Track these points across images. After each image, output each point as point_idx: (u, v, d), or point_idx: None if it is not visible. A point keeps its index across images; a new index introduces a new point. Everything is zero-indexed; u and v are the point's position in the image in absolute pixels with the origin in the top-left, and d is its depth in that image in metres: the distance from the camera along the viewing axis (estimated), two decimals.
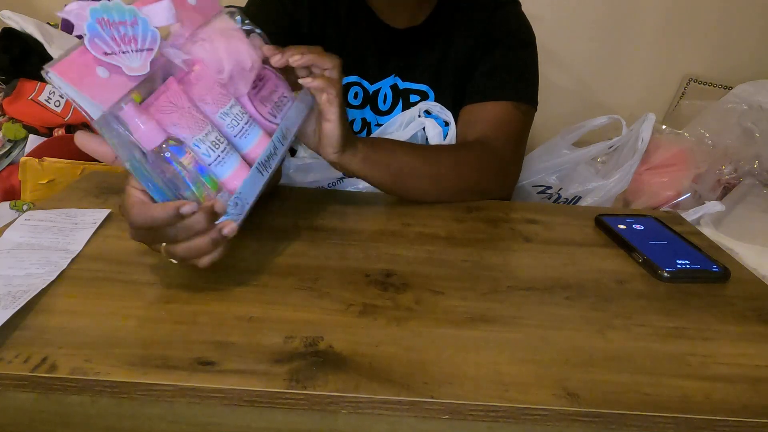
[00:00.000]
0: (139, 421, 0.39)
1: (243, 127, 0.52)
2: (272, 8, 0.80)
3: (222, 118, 0.50)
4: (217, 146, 0.48)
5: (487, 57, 0.83)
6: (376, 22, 0.83)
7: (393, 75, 0.85)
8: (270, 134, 0.54)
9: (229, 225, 0.45)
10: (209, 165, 0.48)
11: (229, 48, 0.50)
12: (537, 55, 0.86)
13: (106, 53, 0.41)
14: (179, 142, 0.45)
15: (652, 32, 1.69)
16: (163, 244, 0.44)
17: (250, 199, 0.49)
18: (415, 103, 0.84)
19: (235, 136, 0.51)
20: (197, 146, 0.47)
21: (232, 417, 0.39)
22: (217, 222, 0.45)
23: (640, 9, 1.66)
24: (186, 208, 0.42)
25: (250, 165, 0.51)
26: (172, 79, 0.47)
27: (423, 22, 0.83)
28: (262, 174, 0.51)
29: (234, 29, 0.53)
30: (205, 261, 0.45)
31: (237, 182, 0.48)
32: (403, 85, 0.86)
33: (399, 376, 0.39)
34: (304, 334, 0.43)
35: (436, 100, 0.85)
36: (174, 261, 0.45)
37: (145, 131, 0.43)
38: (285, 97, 0.58)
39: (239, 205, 0.48)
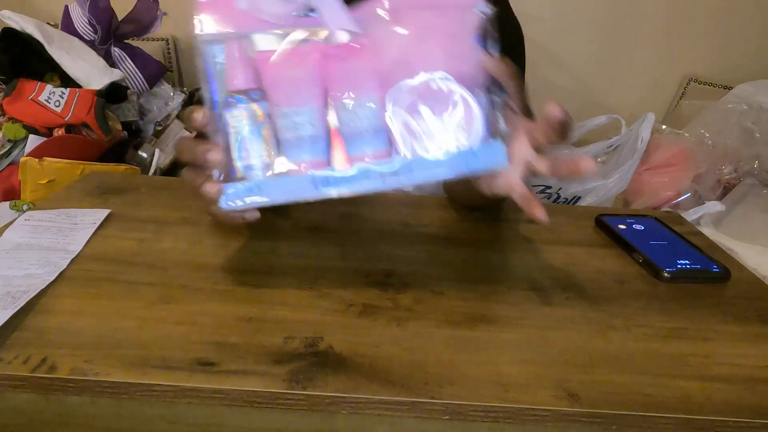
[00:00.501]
0: (138, 422, 0.39)
1: (359, 130, 0.43)
2: None
3: (340, 108, 0.43)
4: (302, 128, 0.43)
5: None
6: None
7: None
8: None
9: (210, 189, 0.42)
10: (282, 140, 0.43)
11: (425, 46, 0.41)
12: (525, 51, 0.87)
13: None
14: (251, 98, 0.42)
15: (652, 32, 1.69)
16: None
17: (265, 197, 0.43)
18: None
19: (341, 133, 0.44)
20: (279, 117, 0.43)
21: (231, 417, 0.39)
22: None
23: (640, 9, 1.66)
24: (198, 115, 0.42)
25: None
26: (312, 46, 0.42)
27: None
28: (316, 188, 0.42)
29: (467, 34, 0.42)
30: (210, 208, 0.44)
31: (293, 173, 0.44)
32: None
33: (399, 376, 0.39)
34: (304, 334, 0.43)
35: None
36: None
37: (231, 71, 0.42)
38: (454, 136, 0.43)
39: (251, 192, 0.42)
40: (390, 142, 0.44)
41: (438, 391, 0.38)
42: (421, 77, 0.41)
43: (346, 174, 0.42)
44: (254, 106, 0.43)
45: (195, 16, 0.41)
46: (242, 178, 0.44)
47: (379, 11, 0.42)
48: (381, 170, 0.42)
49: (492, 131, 0.44)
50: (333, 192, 0.43)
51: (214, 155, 0.42)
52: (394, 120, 0.43)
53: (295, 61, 0.42)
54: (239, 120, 0.43)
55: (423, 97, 0.42)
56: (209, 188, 0.43)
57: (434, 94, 0.42)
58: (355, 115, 0.43)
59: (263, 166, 0.44)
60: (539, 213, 0.44)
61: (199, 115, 0.43)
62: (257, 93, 0.43)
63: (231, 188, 0.43)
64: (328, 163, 0.45)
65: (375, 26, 0.41)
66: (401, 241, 0.61)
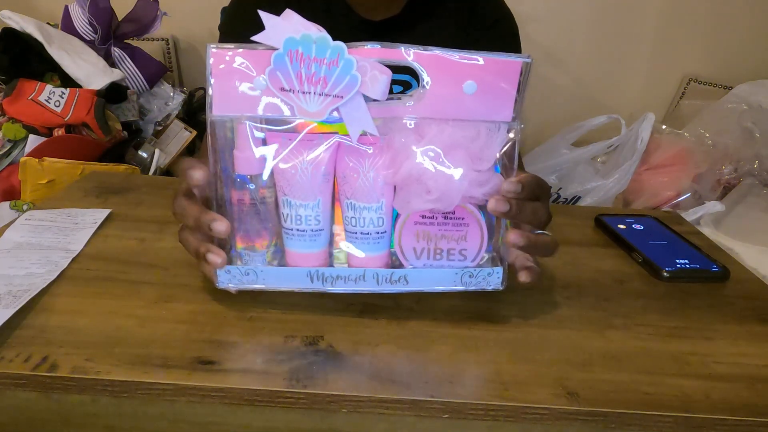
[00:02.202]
0: (139, 420, 0.39)
1: (362, 231, 0.43)
2: (248, 6, 0.81)
3: (347, 207, 0.43)
4: (305, 221, 0.43)
5: (476, 46, 0.83)
6: (353, 16, 0.83)
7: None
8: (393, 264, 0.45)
9: (214, 259, 0.42)
10: (283, 225, 0.44)
11: (438, 172, 0.39)
12: (521, 45, 0.87)
13: (282, 89, 0.38)
14: (258, 182, 0.42)
15: (651, 32, 1.69)
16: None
17: (261, 284, 0.44)
18: (397, 94, 0.84)
19: (345, 230, 0.45)
20: (284, 205, 0.43)
21: (232, 416, 0.39)
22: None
23: (639, 9, 1.66)
24: (196, 174, 0.40)
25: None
26: (338, 144, 0.41)
27: (399, 12, 0.83)
28: (312, 282, 0.44)
29: (489, 156, 0.40)
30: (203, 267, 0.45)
31: (295, 263, 0.45)
32: None
33: (399, 375, 0.39)
34: (305, 333, 0.43)
35: None
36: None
37: (239, 155, 0.41)
38: (458, 253, 0.44)
39: (248, 277, 0.43)
40: (390, 246, 0.45)
41: (438, 390, 0.38)
42: (433, 194, 0.40)
43: (342, 274, 0.44)
44: (261, 190, 0.43)
45: (208, 93, 0.39)
46: (237, 257, 0.45)
47: (405, 120, 0.40)
48: (378, 274, 0.43)
49: (494, 251, 0.45)
50: (328, 288, 0.44)
51: (221, 226, 0.41)
52: (399, 229, 0.44)
53: (306, 153, 0.41)
54: (243, 202, 0.43)
55: (431, 212, 0.42)
56: (214, 259, 0.42)
57: (443, 211, 0.42)
58: (360, 217, 0.43)
59: (262, 251, 0.45)
60: (524, 276, 0.44)
61: (196, 173, 0.41)
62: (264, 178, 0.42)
63: (228, 270, 0.43)
64: (327, 257, 0.46)
65: (396, 131, 0.40)
66: None
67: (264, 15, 0.37)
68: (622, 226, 0.66)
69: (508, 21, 0.86)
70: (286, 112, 0.39)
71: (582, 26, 1.69)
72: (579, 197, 1.25)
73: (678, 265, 0.57)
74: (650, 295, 0.53)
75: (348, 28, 0.83)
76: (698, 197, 1.31)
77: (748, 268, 0.60)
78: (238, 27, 0.82)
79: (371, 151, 0.41)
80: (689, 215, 1.06)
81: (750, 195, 1.25)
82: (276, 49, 0.37)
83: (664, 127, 1.44)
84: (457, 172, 0.39)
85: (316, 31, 0.37)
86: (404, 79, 0.84)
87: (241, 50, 0.38)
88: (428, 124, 0.40)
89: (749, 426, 0.37)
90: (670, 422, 0.37)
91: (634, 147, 1.23)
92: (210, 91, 0.39)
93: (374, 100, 0.39)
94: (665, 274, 0.55)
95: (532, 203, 0.43)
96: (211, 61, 0.38)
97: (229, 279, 0.44)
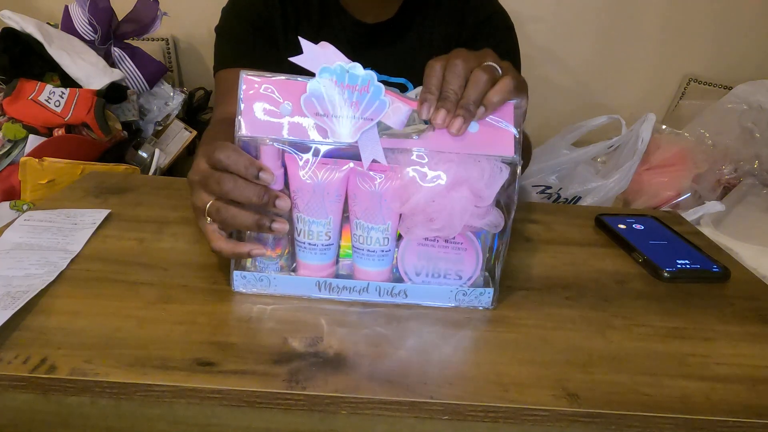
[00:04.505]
0: (138, 422, 0.39)
1: (368, 248, 0.47)
2: (244, 8, 0.81)
3: (355, 226, 0.46)
4: (316, 236, 0.46)
5: (471, 44, 0.83)
6: (347, 18, 0.83)
7: (368, 69, 0.85)
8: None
9: (284, 204, 0.43)
10: (296, 238, 0.47)
11: (446, 200, 0.42)
12: (516, 39, 0.87)
13: (317, 114, 0.41)
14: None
15: (651, 32, 1.69)
16: (211, 201, 0.44)
17: (273, 290, 0.48)
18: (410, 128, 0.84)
19: (353, 246, 0.48)
20: (298, 220, 0.46)
21: (231, 417, 0.39)
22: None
23: (640, 9, 1.66)
24: (263, 175, 0.42)
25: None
26: (351, 169, 0.44)
27: (394, 15, 0.83)
28: (319, 290, 0.47)
29: (490, 191, 0.43)
30: (234, 246, 0.45)
31: (305, 272, 0.48)
32: (379, 78, 0.86)
33: (398, 376, 0.39)
34: (304, 334, 0.43)
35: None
36: (209, 222, 0.45)
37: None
38: (454, 273, 0.48)
39: (261, 283, 0.47)
40: (393, 263, 0.48)
41: (437, 391, 0.38)
42: (436, 224, 0.43)
43: (348, 285, 0.47)
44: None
45: (238, 117, 0.42)
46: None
47: (416, 155, 0.43)
48: (380, 287, 0.47)
49: (487, 272, 0.49)
50: (333, 297, 0.47)
51: (269, 175, 0.43)
52: (402, 248, 0.47)
53: (321, 175, 0.44)
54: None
55: (433, 237, 0.46)
56: (284, 204, 0.43)
57: (444, 236, 0.45)
58: (367, 236, 0.46)
59: (276, 259, 0.48)
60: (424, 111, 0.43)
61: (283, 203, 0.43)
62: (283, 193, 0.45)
63: (244, 276, 0.47)
64: (335, 268, 0.49)
65: (406, 164, 0.43)
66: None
67: (303, 42, 0.40)
68: (622, 226, 0.66)
69: (500, 15, 0.86)
70: (311, 136, 0.43)
71: (582, 26, 1.69)
72: (579, 197, 1.25)
73: (678, 266, 0.57)
74: (650, 295, 0.53)
75: (342, 30, 0.83)
76: (698, 197, 1.31)
77: (748, 268, 0.60)
78: (236, 28, 0.82)
79: (381, 177, 0.44)
80: (689, 215, 1.06)
81: (750, 195, 1.24)
82: (311, 75, 0.41)
83: (664, 127, 1.43)
84: (459, 207, 0.42)
85: (348, 62, 0.41)
86: (399, 81, 0.84)
87: (269, 78, 0.42)
88: (437, 161, 0.43)
89: (750, 428, 0.37)
90: (671, 424, 0.37)
91: (635, 147, 1.23)
92: (240, 114, 0.42)
93: (386, 134, 0.43)
94: (666, 274, 0.55)
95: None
96: (243, 87, 0.42)
97: (243, 284, 0.47)
